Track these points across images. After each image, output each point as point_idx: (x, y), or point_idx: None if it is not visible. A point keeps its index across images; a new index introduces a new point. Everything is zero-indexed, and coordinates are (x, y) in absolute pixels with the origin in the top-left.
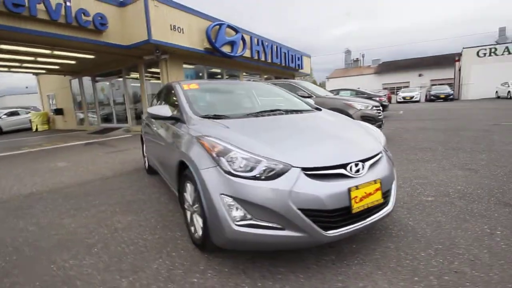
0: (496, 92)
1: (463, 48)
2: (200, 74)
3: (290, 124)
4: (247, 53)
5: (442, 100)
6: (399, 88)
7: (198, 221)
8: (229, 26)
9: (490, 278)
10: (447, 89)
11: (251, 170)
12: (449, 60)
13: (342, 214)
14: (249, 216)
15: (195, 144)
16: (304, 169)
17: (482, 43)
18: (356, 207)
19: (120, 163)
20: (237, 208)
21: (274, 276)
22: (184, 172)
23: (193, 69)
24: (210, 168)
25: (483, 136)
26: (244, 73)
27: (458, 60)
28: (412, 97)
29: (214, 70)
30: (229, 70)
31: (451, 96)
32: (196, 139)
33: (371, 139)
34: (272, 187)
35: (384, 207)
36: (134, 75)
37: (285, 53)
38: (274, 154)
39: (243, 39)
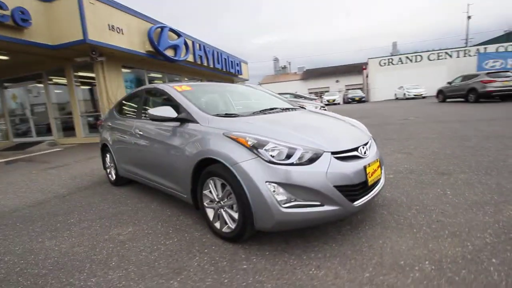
0: (395, 94)
1: (368, 58)
2: (142, 79)
3: (297, 119)
4: (190, 58)
5: (356, 102)
6: (321, 92)
7: (230, 214)
8: (171, 30)
9: (459, 221)
10: (360, 93)
11: (288, 157)
12: (358, 68)
13: (362, 187)
14: (293, 198)
15: (224, 140)
16: (332, 153)
17: (381, 54)
18: (370, 180)
19: (69, 179)
20: (282, 193)
21: (312, 249)
22: (204, 170)
23: (132, 73)
24: (250, 160)
25: (401, 128)
26: (186, 78)
27: (365, 68)
28: (334, 100)
29: (154, 74)
30: (170, 75)
31: (363, 99)
32: (224, 136)
33: (361, 128)
34: (312, 170)
35: (380, 181)
36: (59, 79)
37: (225, 59)
38: (304, 142)
39: (185, 43)
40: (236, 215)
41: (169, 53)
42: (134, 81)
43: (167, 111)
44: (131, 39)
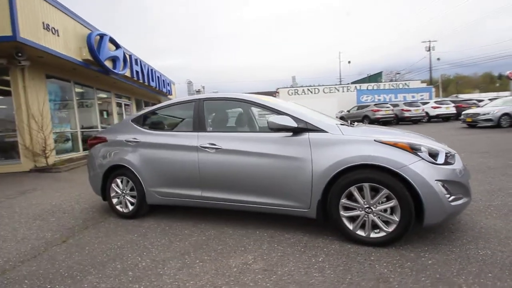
0: None
1: (278, 88)
2: (68, 92)
3: (390, 129)
4: (127, 72)
5: None
6: None
7: (384, 218)
8: (111, 40)
9: None
10: None
11: (436, 158)
12: (269, 96)
13: None
14: (452, 193)
15: (379, 146)
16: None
17: (283, 85)
18: None
19: (33, 220)
20: (446, 189)
21: (450, 238)
22: (341, 178)
23: (56, 85)
24: (416, 162)
25: None
26: (115, 95)
27: (275, 96)
28: None
29: (79, 89)
30: (98, 90)
31: None
32: (377, 142)
33: None
34: (457, 168)
35: None
36: None
37: (158, 77)
38: (435, 146)
39: (124, 56)
40: (394, 217)
41: (108, 64)
42: (58, 94)
43: (287, 121)
44: (68, 44)
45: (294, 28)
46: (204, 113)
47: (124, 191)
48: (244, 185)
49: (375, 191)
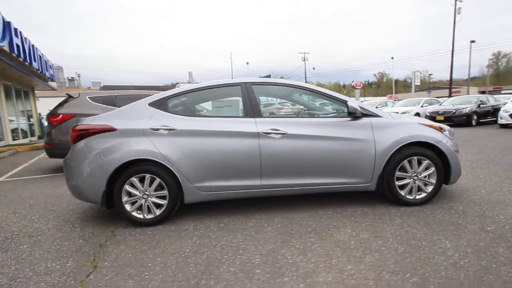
0: None
1: (177, 83)
2: None
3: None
4: (5, 46)
5: None
6: None
7: (425, 183)
8: None
9: None
10: None
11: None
12: (166, 89)
13: None
14: None
15: (422, 127)
16: None
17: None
18: None
19: (11, 258)
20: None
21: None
22: (398, 154)
23: None
24: (445, 138)
25: None
26: None
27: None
28: None
29: None
30: None
31: None
32: (420, 124)
33: None
34: (455, 141)
35: None
36: None
37: (40, 57)
38: (443, 125)
39: (4, 22)
40: (432, 180)
41: None
42: None
43: (358, 107)
44: None
45: (187, 24)
46: (255, 98)
47: (147, 192)
48: (313, 169)
49: (418, 162)
